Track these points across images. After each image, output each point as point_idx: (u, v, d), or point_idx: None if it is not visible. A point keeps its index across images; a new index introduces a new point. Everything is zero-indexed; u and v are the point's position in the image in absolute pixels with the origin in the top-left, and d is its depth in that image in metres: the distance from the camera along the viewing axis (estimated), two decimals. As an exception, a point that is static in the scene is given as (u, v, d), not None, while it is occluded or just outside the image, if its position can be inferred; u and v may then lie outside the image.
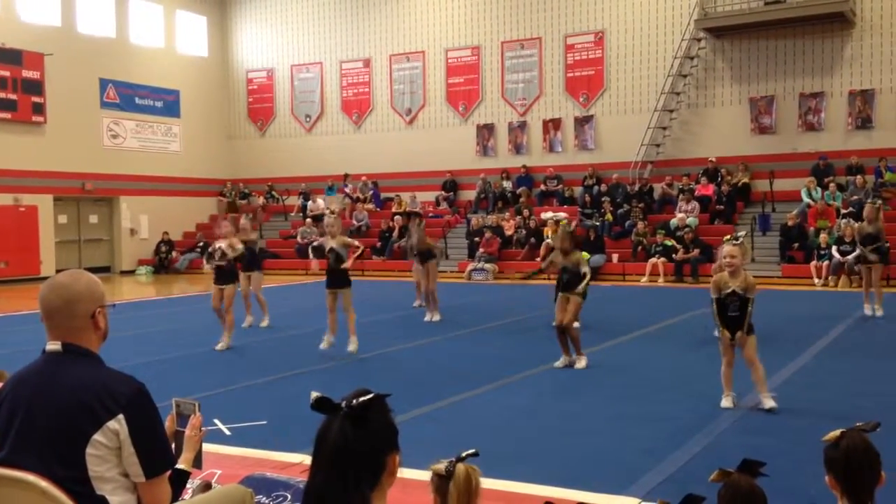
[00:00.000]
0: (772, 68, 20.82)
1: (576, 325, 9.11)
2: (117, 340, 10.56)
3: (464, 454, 2.53)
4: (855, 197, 18.76)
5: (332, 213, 10.29)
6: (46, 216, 22.75)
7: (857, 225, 14.03)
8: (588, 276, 9.10)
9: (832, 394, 7.33)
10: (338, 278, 9.61)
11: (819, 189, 19.38)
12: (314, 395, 1.95)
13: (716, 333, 7.16)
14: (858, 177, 19.13)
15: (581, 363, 8.69)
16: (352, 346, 9.49)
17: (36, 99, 22.32)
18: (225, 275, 10.45)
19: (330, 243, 9.64)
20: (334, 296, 9.63)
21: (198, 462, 3.06)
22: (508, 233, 21.51)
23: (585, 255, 19.43)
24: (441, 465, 2.48)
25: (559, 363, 8.73)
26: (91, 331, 2.64)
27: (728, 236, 6.97)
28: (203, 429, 3.11)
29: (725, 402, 6.72)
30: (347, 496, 1.90)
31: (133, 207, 25.03)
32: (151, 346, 10.67)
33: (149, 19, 25.69)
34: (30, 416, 2.52)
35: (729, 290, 6.65)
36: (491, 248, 20.94)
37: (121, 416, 2.48)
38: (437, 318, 12.61)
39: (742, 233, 7.65)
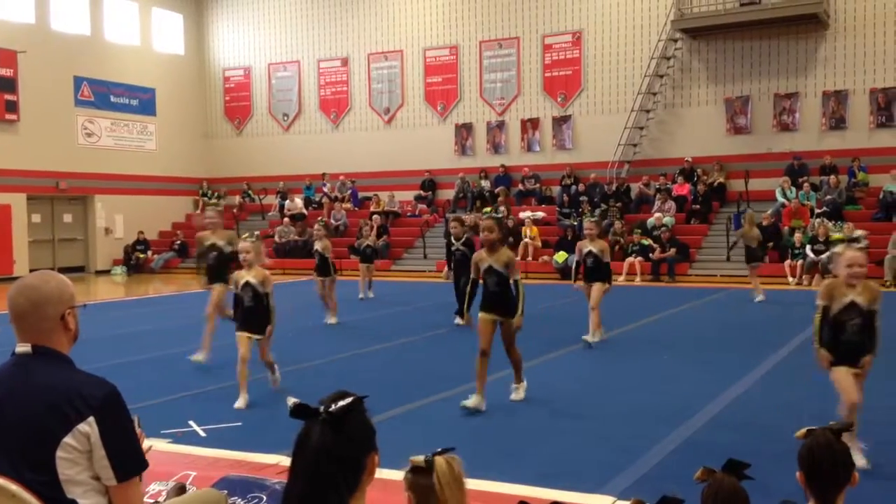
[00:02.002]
0: (747, 69, 21.00)
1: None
2: (90, 342, 10.48)
3: (440, 449, 2.48)
4: (829, 196, 18.98)
5: (250, 236, 7.66)
6: (20, 215, 22.46)
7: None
8: (522, 289, 6.73)
9: (808, 391, 7.39)
10: (256, 319, 7.20)
11: (793, 189, 19.59)
12: (291, 401, 1.93)
13: (814, 347, 5.33)
14: (832, 177, 19.34)
15: (519, 393, 7.12)
16: (274, 378, 7.62)
17: (9, 97, 22.04)
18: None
19: (245, 276, 7.27)
20: (248, 340, 7.19)
21: None
22: (486, 232, 21.51)
23: (563, 254, 19.66)
24: (420, 458, 2.45)
25: (470, 403, 6.60)
26: (61, 332, 2.61)
27: (839, 234, 5.24)
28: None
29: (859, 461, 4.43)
30: (327, 501, 1.89)
31: (108, 206, 24.78)
32: (125, 347, 10.57)
33: (124, 17, 25.43)
34: (-1, 418, 2.49)
35: (847, 302, 5.14)
36: (469, 247, 20.93)
37: (91, 419, 2.45)
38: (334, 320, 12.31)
39: (861, 233, 5.78)
